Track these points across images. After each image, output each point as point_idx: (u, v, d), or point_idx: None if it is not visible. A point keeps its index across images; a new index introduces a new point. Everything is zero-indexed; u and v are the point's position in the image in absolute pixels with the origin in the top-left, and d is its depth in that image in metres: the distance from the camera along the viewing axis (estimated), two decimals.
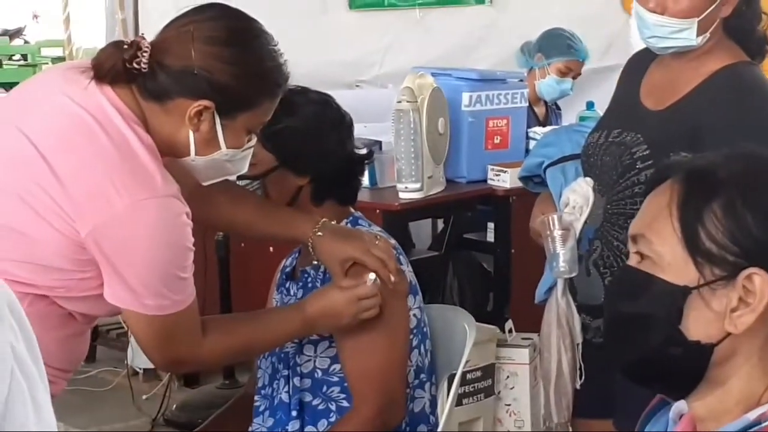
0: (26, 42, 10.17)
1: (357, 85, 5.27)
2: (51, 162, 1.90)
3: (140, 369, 4.64)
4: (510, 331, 3.74)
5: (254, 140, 2.11)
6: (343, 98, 5.13)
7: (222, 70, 1.97)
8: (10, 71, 8.19)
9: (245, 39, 2.03)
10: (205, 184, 2.14)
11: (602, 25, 5.32)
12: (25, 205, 1.91)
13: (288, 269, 2.57)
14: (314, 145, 2.42)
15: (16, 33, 10.64)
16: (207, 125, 2.00)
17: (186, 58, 1.96)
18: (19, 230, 1.93)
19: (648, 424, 1.52)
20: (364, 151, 2.54)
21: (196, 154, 2.02)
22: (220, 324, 2.21)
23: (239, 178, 2.45)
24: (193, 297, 2.04)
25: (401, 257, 2.46)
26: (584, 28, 5.46)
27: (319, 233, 2.32)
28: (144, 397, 4.54)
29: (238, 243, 4.34)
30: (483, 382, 3.75)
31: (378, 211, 3.82)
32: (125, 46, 1.98)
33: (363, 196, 3.97)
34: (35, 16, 7.32)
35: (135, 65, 1.96)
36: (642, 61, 2.54)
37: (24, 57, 8.08)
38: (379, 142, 4.14)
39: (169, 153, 2.03)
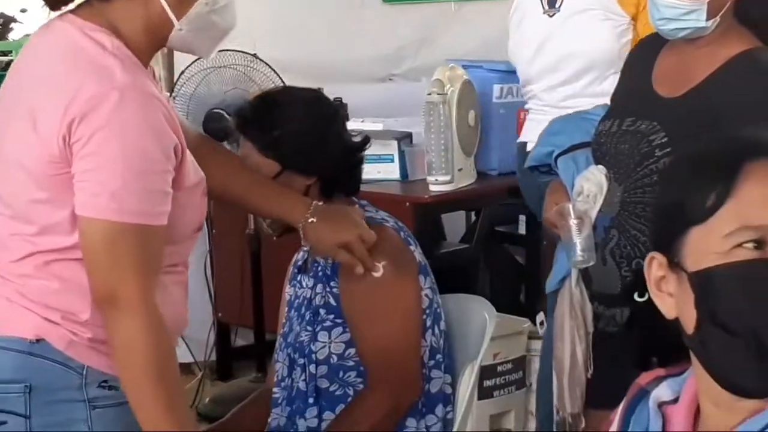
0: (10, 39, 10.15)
1: (390, 79, 5.27)
2: (28, 100, 1.91)
3: None
4: (542, 323, 3.72)
5: None
6: (375, 92, 5.14)
7: None
8: None
9: None
10: (209, 57, 2.18)
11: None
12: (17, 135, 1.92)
13: (299, 263, 2.58)
14: (315, 144, 2.41)
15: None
16: None
17: None
18: (19, 161, 1.91)
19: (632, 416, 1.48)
20: (359, 139, 2.51)
21: (177, 19, 1.97)
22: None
23: None
24: (164, 221, 1.87)
25: (410, 238, 2.46)
26: None
27: (312, 219, 2.30)
28: None
29: (270, 236, 4.35)
30: (514, 375, 3.75)
31: (408, 203, 3.82)
32: None
33: (393, 188, 3.99)
34: (23, 11, 7.23)
35: None
36: (650, 48, 2.50)
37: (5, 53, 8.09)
38: (410, 135, 4.14)
39: (157, 41, 2.00)
